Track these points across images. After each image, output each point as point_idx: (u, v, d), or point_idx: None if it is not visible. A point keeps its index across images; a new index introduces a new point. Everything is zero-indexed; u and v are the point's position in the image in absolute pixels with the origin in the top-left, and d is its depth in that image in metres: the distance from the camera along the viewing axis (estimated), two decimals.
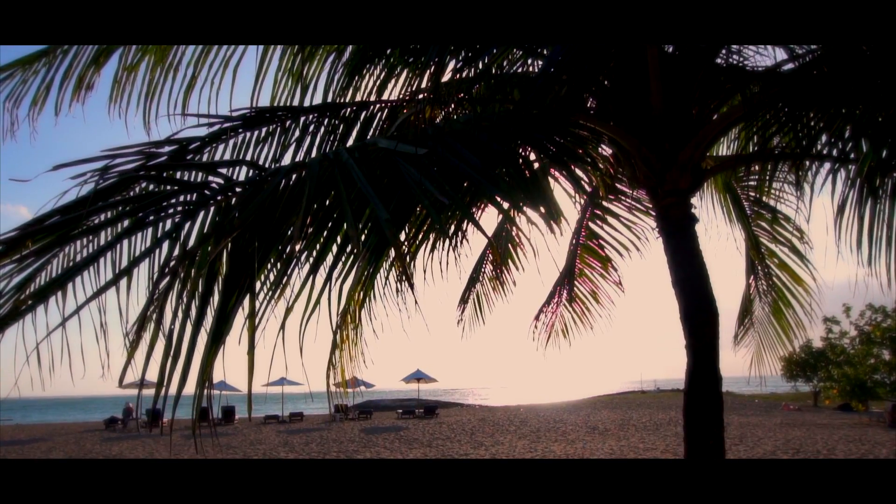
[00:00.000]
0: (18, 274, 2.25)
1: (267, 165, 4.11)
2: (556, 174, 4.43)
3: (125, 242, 3.30)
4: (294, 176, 2.23)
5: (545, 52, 4.11)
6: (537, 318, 7.40)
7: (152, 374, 2.21)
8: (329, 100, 4.47)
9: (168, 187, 2.24)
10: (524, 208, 2.79)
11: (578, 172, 4.45)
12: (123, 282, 2.70)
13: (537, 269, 6.86)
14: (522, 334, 7.78)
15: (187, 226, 2.06)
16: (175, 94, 4.42)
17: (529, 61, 4.30)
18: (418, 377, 42.80)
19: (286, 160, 4.31)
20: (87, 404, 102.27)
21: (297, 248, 2.06)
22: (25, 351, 2.84)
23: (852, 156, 3.91)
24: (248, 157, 4.12)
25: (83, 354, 2.80)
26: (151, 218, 1.97)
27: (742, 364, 7.58)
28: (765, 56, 4.08)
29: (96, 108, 4.75)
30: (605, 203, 6.22)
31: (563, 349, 7.71)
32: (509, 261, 6.84)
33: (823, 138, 3.95)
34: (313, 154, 4.34)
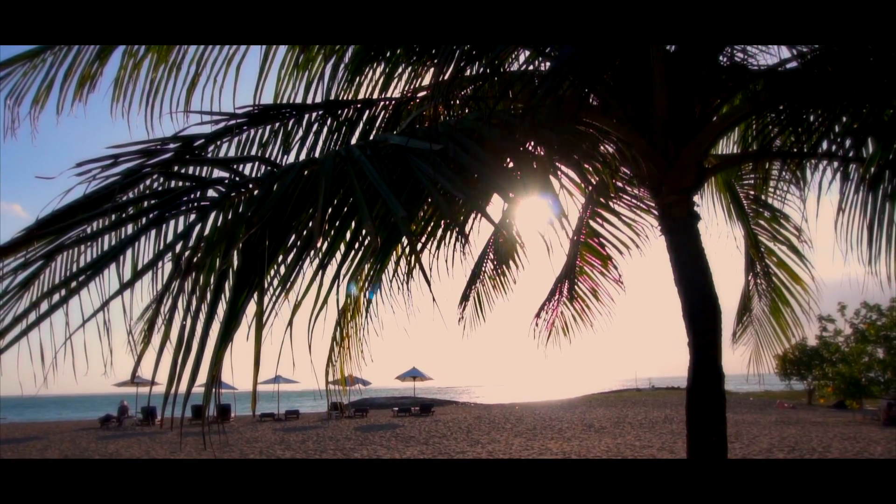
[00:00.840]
0: (27, 273, 2.25)
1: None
2: (559, 173, 4.44)
3: (129, 239, 3.29)
4: (305, 172, 2.23)
5: (548, 50, 4.12)
6: (538, 315, 7.42)
7: (151, 372, 2.20)
8: (332, 98, 4.46)
9: (182, 184, 2.24)
10: (533, 203, 2.80)
11: (580, 172, 4.47)
12: (126, 279, 2.70)
13: (538, 267, 6.88)
14: (518, 332, 7.79)
15: (200, 222, 2.05)
16: (178, 92, 4.41)
17: (538, 61, 4.31)
18: (414, 375, 42.85)
19: (291, 158, 4.31)
20: (82, 402, 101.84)
21: (318, 244, 2.06)
22: (29, 348, 2.84)
23: (851, 154, 3.93)
24: (252, 155, 4.11)
25: (86, 352, 2.79)
26: (168, 214, 1.96)
27: (739, 362, 7.61)
28: (769, 54, 4.09)
29: (97, 105, 4.74)
30: (605, 201, 6.23)
31: (561, 347, 7.73)
32: (510, 259, 6.86)
33: (830, 136, 3.96)
34: (317, 151, 4.34)
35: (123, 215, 2.03)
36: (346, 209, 2.45)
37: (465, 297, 7.16)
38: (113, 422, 33.30)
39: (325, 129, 4.40)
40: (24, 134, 4.38)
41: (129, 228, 2.57)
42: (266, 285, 2.28)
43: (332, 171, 2.07)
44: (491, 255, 6.93)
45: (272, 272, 2.43)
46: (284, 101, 4.43)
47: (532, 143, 3.19)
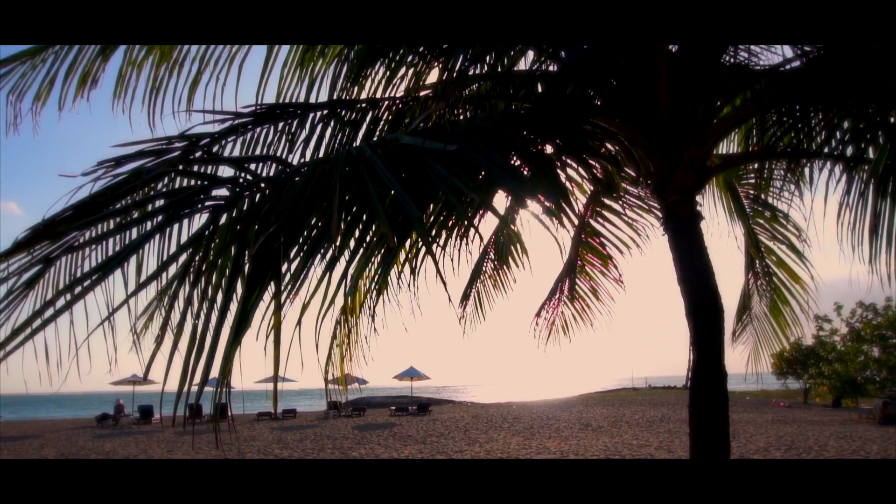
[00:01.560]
0: (32, 273, 2.25)
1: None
2: (560, 172, 4.44)
3: (132, 238, 3.29)
4: (317, 172, 2.23)
5: (552, 50, 4.12)
6: (538, 314, 7.42)
7: (156, 371, 2.21)
8: (335, 97, 4.45)
9: (194, 182, 2.24)
10: (541, 200, 2.81)
11: (582, 171, 4.48)
12: (130, 278, 2.70)
13: (538, 266, 6.88)
14: (517, 331, 7.78)
15: (212, 223, 2.05)
16: (180, 91, 4.37)
17: (543, 64, 4.31)
18: (411, 374, 42.85)
19: (295, 157, 4.31)
20: (78, 401, 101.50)
21: (335, 243, 2.06)
22: (34, 347, 2.83)
23: (850, 153, 3.94)
24: (257, 154, 4.11)
25: (89, 351, 2.79)
26: (183, 212, 1.96)
27: (736, 361, 7.62)
28: (772, 52, 4.10)
29: (97, 102, 4.71)
30: (607, 200, 6.24)
31: (560, 346, 7.73)
32: (509, 258, 6.86)
33: (834, 138, 3.97)
34: (321, 151, 4.34)
35: (128, 218, 2.02)
36: (354, 209, 2.45)
37: (465, 296, 7.17)
38: (109, 420, 33.22)
39: (330, 129, 4.39)
40: (20, 131, 4.36)
41: (137, 228, 2.57)
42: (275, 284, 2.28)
43: (344, 169, 2.07)
44: (491, 255, 6.93)
45: (281, 272, 2.43)
46: (288, 99, 4.41)
47: (538, 143, 3.20)
